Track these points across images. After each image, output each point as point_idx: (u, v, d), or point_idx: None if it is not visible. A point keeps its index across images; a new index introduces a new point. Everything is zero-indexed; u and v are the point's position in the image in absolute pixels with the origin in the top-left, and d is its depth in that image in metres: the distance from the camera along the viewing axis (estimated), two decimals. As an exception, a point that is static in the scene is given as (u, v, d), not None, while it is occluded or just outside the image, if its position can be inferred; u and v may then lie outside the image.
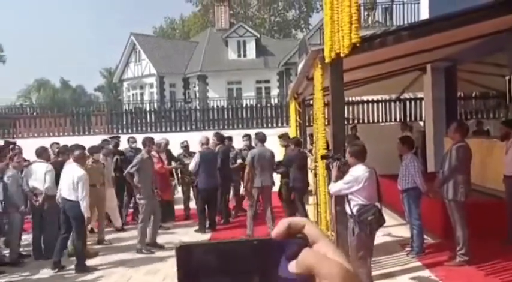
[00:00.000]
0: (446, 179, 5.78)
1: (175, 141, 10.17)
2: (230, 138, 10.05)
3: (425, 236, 6.45)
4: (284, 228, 0.47)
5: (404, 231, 7.19)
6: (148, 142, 7.76)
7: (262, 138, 8.15)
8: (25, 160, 7.81)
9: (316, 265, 0.44)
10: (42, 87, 51.93)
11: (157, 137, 9.30)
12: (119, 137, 10.49)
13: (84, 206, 6.43)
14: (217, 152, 8.85)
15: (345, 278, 0.44)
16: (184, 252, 0.46)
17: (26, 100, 49.08)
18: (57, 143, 9.62)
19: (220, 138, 9.22)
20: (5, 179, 6.87)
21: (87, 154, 7.48)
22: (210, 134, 10.41)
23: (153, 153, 8.35)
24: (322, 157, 5.54)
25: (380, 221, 4.78)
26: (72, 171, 6.52)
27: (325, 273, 0.44)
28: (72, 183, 6.42)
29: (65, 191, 6.50)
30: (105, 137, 12.09)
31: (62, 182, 6.61)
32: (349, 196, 4.81)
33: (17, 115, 18.55)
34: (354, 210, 4.76)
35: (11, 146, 8.59)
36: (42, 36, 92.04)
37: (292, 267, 0.45)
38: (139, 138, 10.22)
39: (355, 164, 4.76)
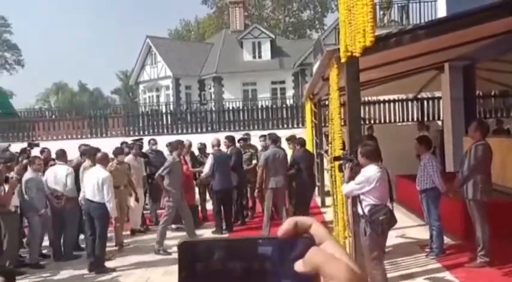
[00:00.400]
0: (466, 178, 5.69)
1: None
2: (246, 139, 10.06)
3: (444, 237, 6.36)
4: (290, 227, 0.47)
5: (423, 232, 7.11)
6: (179, 145, 7.85)
7: (275, 139, 8.17)
8: (53, 161, 7.90)
9: (323, 264, 0.43)
10: (60, 90, 52.79)
11: (174, 139, 9.35)
12: (142, 139, 10.54)
13: (111, 206, 6.57)
14: (230, 154, 8.84)
15: (352, 279, 0.43)
16: (187, 249, 0.46)
17: (45, 103, 49.97)
18: (85, 145, 9.47)
19: (232, 140, 9.22)
20: (23, 182, 6.86)
21: (111, 156, 7.62)
22: (224, 135, 10.48)
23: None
24: (335, 158, 5.54)
25: (391, 222, 4.76)
26: (96, 173, 6.63)
27: (331, 274, 0.43)
28: (96, 184, 6.52)
29: (89, 192, 6.60)
30: (124, 139, 12.21)
31: (85, 183, 6.72)
32: (361, 196, 4.82)
33: (36, 118, 18.85)
34: (366, 210, 4.77)
35: (40, 149, 8.73)
36: (59, 40, 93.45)
37: (299, 266, 0.44)
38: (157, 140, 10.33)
39: (366, 165, 4.77)
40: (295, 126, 15.87)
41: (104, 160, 6.86)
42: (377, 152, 4.88)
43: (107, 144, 9.37)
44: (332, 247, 0.46)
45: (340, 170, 5.50)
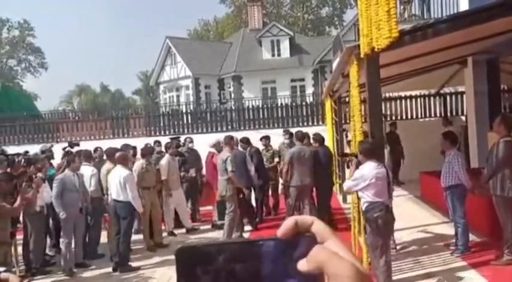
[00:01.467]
0: (493, 174, 5.57)
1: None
2: (267, 137, 10.02)
3: (470, 234, 6.24)
4: (291, 227, 0.45)
5: (448, 230, 7.00)
6: (231, 140, 7.94)
7: (301, 137, 8.15)
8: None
9: (327, 263, 0.42)
10: (83, 92, 53.75)
11: (194, 138, 9.43)
12: (179, 137, 10.52)
13: (136, 204, 6.69)
14: (250, 154, 8.79)
15: (357, 278, 0.42)
16: (185, 254, 0.45)
17: (68, 105, 50.94)
18: (127, 145, 9.43)
19: (247, 142, 9.23)
20: (56, 181, 6.70)
21: (139, 156, 7.82)
22: (245, 134, 10.49)
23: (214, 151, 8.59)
24: (342, 155, 5.60)
25: (387, 219, 4.77)
26: (118, 172, 6.74)
27: (336, 272, 0.42)
28: (119, 184, 6.64)
29: (114, 192, 6.75)
30: (146, 139, 12.32)
31: (110, 184, 6.85)
32: (359, 193, 4.91)
33: (60, 120, 19.20)
34: (363, 207, 4.85)
35: (93, 149, 8.96)
36: (81, 43, 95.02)
37: (302, 265, 0.43)
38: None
39: (364, 162, 4.85)
40: (316, 123, 15.78)
41: (124, 160, 6.93)
42: (375, 150, 4.93)
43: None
44: (335, 245, 0.45)
45: (348, 166, 5.57)
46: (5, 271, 4.02)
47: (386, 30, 3.38)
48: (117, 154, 6.96)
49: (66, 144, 8.35)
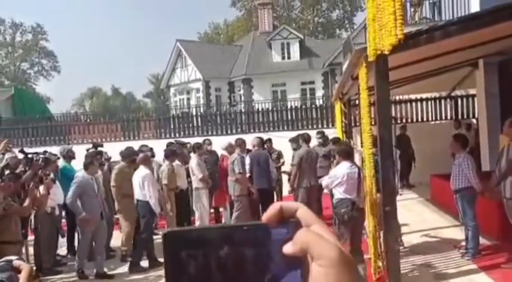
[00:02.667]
0: (503, 177, 5.53)
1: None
2: (270, 140, 10.09)
3: (480, 237, 6.19)
4: (275, 213, 0.46)
5: (458, 233, 6.94)
6: (242, 143, 8.10)
7: (307, 139, 8.22)
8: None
9: (312, 243, 0.43)
10: (94, 95, 54.25)
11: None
12: (186, 143, 10.50)
13: (153, 202, 6.77)
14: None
15: (341, 260, 0.43)
16: (172, 238, 0.45)
17: (80, 108, 51.42)
18: (145, 146, 9.47)
19: (259, 143, 9.26)
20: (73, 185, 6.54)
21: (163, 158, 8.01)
22: (254, 136, 10.48)
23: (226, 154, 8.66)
24: (324, 156, 6.68)
25: (352, 215, 5.25)
26: (139, 172, 6.92)
27: (321, 253, 0.43)
28: (139, 184, 6.79)
29: (136, 192, 6.89)
30: (157, 141, 12.36)
31: (134, 185, 6.97)
32: (333, 190, 5.47)
33: (72, 122, 19.42)
34: (334, 202, 5.44)
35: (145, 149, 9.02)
36: (93, 47, 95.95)
37: (287, 247, 0.44)
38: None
39: (340, 162, 5.45)
40: (325, 126, 15.75)
41: (146, 160, 7.10)
42: (351, 152, 5.59)
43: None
44: (320, 230, 0.45)
45: (330, 166, 6.31)
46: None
47: (392, 32, 3.39)
48: (140, 155, 7.15)
49: (84, 146, 8.42)
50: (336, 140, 8.46)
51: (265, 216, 0.46)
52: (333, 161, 6.20)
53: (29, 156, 6.54)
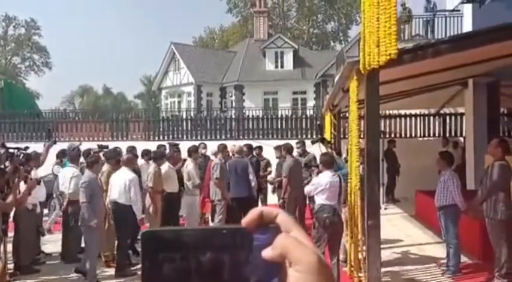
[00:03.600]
0: (487, 196, 5.57)
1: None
2: (260, 148, 10.10)
3: (462, 256, 6.23)
4: (255, 217, 0.46)
5: (440, 250, 6.97)
6: (223, 148, 8.12)
7: (290, 149, 8.34)
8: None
9: (291, 248, 0.43)
10: (85, 93, 53.80)
11: (192, 145, 9.33)
12: (178, 144, 10.36)
13: (137, 208, 6.57)
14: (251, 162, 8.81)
15: (319, 266, 0.43)
16: (150, 238, 0.45)
17: (70, 105, 50.97)
18: (133, 147, 9.36)
19: (249, 149, 9.28)
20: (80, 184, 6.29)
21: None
22: (244, 143, 10.46)
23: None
24: (305, 165, 7.02)
25: (333, 220, 5.57)
26: (123, 174, 6.63)
27: (299, 258, 0.43)
28: (124, 186, 6.51)
29: (115, 194, 6.59)
30: (145, 143, 12.29)
31: (112, 186, 6.67)
32: (314, 197, 5.80)
33: (60, 119, 19.21)
34: (316, 208, 5.76)
35: (175, 148, 9.00)
36: (86, 44, 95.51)
37: (267, 252, 0.44)
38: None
39: (323, 171, 5.84)
40: (315, 136, 15.79)
41: (130, 162, 6.92)
42: (332, 162, 6.01)
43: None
44: (299, 235, 0.46)
45: (310, 174, 6.75)
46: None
47: (386, 47, 3.41)
48: (124, 156, 6.97)
49: (65, 145, 8.34)
50: (290, 149, 8.58)
51: (245, 221, 0.46)
52: (313, 170, 6.55)
53: (10, 150, 6.44)
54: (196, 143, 11.32)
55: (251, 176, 8.17)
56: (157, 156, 7.94)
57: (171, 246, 0.45)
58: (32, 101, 25.17)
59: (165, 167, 8.01)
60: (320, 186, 5.67)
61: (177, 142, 11.49)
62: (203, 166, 8.98)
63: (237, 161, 8.30)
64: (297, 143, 9.62)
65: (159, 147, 9.52)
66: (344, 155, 7.42)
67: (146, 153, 8.74)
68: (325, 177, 5.70)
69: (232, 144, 9.32)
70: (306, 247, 0.44)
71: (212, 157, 8.88)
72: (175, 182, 8.21)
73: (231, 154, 8.87)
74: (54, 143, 6.69)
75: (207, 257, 0.45)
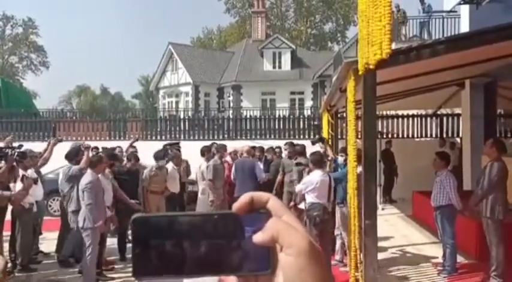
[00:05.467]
0: (483, 196, 5.59)
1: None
2: (262, 149, 10.00)
3: (458, 256, 6.25)
4: (246, 203, 0.47)
5: (436, 250, 6.99)
6: (222, 149, 8.12)
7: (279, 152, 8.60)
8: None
9: (282, 232, 0.44)
10: (83, 93, 53.69)
11: (190, 144, 9.32)
12: (179, 143, 10.27)
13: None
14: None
15: (311, 250, 0.44)
16: (141, 224, 0.45)
17: (67, 105, 50.90)
18: (133, 147, 9.33)
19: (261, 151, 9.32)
20: (80, 185, 5.99)
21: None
22: (241, 143, 10.46)
23: (228, 159, 8.74)
24: (297, 164, 7.07)
25: (323, 217, 5.75)
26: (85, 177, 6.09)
27: (291, 241, 0.43)
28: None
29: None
30: (143, 142, 12.26)
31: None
32: (305, 195, 5.92)
33: (57, 119, 19.17)
34: (307, 206, 5.88)
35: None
36: (84, 44, 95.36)
37: (258, 236, 0.44)
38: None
39: (313, 170, 5.99)
40: (312, 137, 15.82)
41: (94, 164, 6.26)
42: (322, 161, 6.23)
43: (125, 147, 9.48)
44: (290, 220, 0.46)
45: (302, 174, 6.87)
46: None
47: (379, 47, 3.43)
48: (93, 157, 6.41)
49: (68, 144, 8.26)
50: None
51: (235, 206, 0.47)
52: (305, 169, 6.71)
53: (4, 150, 6.41)
54: (194, 143, 11.34)
55: (263, 175, 8.23)
56: (157, 157, 7.86)
57: (162, 232, 0.45)
58: (29, 101, 25.11)
59: (169, 167, 8.00)
60: (311, 184, 5.83)
61: (177, 141, 11.47)
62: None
63: (244, 161, 8.36)
64: (285, 144, 9.55)
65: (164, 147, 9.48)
66: (339, 157, 7.37)
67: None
68: (316, 176, 5.87)
69: (241, 146, 9.30)
70: (297, 231, 0.44)
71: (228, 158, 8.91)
72: (177, 182, 8.21)
73: (239, 154, 8.90)
74: (59, 141, 6.58)
75: (199, 242, 0.45)
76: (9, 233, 6.66)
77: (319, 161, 6.07)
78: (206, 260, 0.45)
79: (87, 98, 52.81)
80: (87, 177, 5.91)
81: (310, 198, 5.87)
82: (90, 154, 6.61)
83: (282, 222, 0.45)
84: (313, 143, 8.86)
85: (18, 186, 5.96)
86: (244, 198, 0.47)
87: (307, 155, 8.51)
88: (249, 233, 0.45)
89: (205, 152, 8.60)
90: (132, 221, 0.45)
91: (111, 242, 7.17)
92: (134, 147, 9.20)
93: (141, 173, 7.78)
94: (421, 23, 16.72)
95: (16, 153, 6.36)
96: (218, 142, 10.70)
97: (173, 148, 9.13)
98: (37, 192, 6.82)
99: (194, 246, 0.45)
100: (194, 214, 0.47)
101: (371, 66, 3.73)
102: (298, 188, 6.26)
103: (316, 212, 5.74)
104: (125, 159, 8.12)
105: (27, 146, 9.97)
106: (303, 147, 8.18)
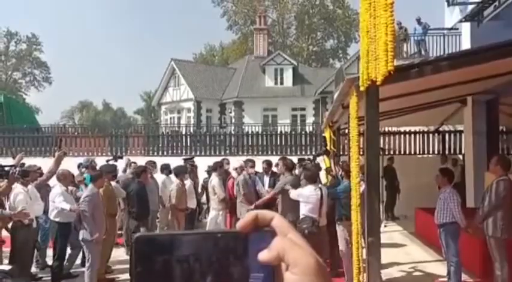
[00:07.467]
0: (487, 214, 5.54)
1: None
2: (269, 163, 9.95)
3: (462, 274, 6.15)
4: (251, 221, 0.46)
5: (440, 268, 6.90)
6: (249, 163, 8.32)
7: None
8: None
9: (288, 251, 0.43)
10: (85, 108, 53.99)
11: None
12: (193, 158, 10.35)
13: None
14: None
15: (317, 268, 0.43)
16: (144, 243, 0.44)
17: (69, 120, 51.08)
18: (134, 162, 9.55)
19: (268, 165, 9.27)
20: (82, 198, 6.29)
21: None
22: (243, 159, 10.42)
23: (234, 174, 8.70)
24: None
25: (312, 231, 5.98)
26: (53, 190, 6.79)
27: (296, 260, 0.43)
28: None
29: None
30: (144, 158, 12.29)
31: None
32: (300, 207, 6.26)
33: (59, 134, 19.19)
34: (300, 219, 6.18)
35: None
36: (87, 60, 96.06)
37: (263, 255, 0.43)
38: (175, 160, 10.33)
39: (306, 185, 6.37)
40: (314, 153, 15.78)
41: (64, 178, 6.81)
42: (315, 176, 6.56)
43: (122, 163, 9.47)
44: (296, 238, 0.45)
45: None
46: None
47: (384, 63, 3.42)
48: (59, 171, 6.77)
49: (70, 159, 8.32)
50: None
51: (239, 224, 0.46)
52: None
53: (6, 169, 6.39)
54: (195, 159, 11.33)
55: (262, 190, 8.22)
56: (179, 172, 7.91)
57: (165, 251, 0.44)
58: (31, 116, 25.21)
59: (188, 182, 8.10)
60: (303, 198, 6.25)
61: (190, 156, 11.56)
62: (224, 182, 8.90)
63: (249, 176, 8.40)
64: (279, 159, 9.44)
65: (185, 162, 9.59)
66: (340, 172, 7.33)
67: (166, 168, 8.79)
68: (308, 191, 6.24)
69: (242, 160, 9.29)
70: (303, 249, 0.44)
71: (233, 173, 8.81)
72: (195, 198, 8.53)
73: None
74: (65, 154, 6.66)
75: (202, 261, 0.44)
76: (9, 248, 6.60)
77: (311, 176, 6.39)
78: (210, 279, 0.44)
79: (89, 114, 53.07)
80: (87, 191, 6.23)
81: (303, 210, 6.22)
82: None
83: (287, 241, 0.44)
84: (318, 156, 8.85)
85: (17, 201, 5.96)
86: (248, 216, 0.46)
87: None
88: (254, 251, 0.44)
89: (218, 168, 8.61)
90: (135, 240, 0.44)
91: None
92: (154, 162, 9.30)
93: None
94: (417, 40, 16.86)
95: (17, 172, 6.35)
96: (220, 158, 10.68)
97: (188, 163, 9.24)
98: (36, 207, 6.77)
99: (197, 265, 0.44)
100: (197, 233, 0.46)
101: (376, 82, 3.72)
102: (292, 194, 6.54)
103: (306, 224, 6.04)
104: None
105: (29, 161, 9.98)
106: (292, 163, 8.17)
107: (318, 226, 6.19)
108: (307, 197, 6.19)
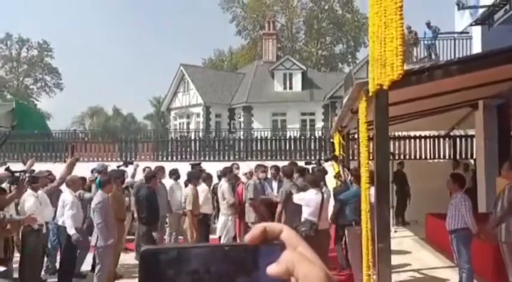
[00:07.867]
0: (500, 220, 5.46)
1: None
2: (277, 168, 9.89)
3: (475, 280, 6.06)
4: (259, 233, 0.45)
5: (452, 274, 6.81)
6: (226, 169, 8.33)
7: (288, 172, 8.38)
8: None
9: (298, 264, 0.42)
10: (95, 114, 54.38)
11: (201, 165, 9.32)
12: (200, 163, 10.44)
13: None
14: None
15: (325, 281, 0.42)
16: (151, 256, 0.44)
17: (80, 126, 51.51)
18: (148, 167, 9.62)
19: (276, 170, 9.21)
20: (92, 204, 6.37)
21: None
22: (252, 164, 10.39)
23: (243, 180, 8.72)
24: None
25: (309, 234, 6.06)
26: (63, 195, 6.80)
27: (306, 274, 0.42)
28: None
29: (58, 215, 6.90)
30: (153, 164, 12.33)
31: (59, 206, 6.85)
32: (302, 209, 6.40)
33: (70, 140, 19.34)
34: (301, 222, 6.33)
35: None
36: (97, 66, 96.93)
37: (272, 268, 0.42)
38: (183, 166, 10.36)
39: (308, 189, 6.53)
40: (323, 157, 15.71)
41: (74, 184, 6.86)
42: (317, 180, 6.64)
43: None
44: (305, 251, 0.45)
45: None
46: None
47: (393, 68, 3.39)
48: (68, 177, 6.84)
49: (80, 164, 8.41)
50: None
51: (248, 237, 0.45)
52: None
53: (16, 174, 6.44)
54: (204, 164, 11.36)
55: (272, 195, 8.15)
56: (192, 177, 7.96)
57: (172, 265, 0.43)
58: (42, 122, 25.39)
59: (202, 188, 8.14)
60: (304, 201, 6.40)
61: (198, 162, 11.61)
62: (234, 187, 8.87)
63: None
64: (271, 166, 9.21)
65: (193, 168, 9.61)
66: (349, 178, 7.30)
67: (174, 173, 8.83)
68: (310, 195, 6.39)
69: (252, 165, 9.26)
70: (312, 263, 0.43)
71: (243, 178, 8.78)
72: (210, 203, 8.54)
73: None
74: (77, 160, 6.74)
75: (210, 275, 0.43)
76: (18, 254, 6.64)
77: (313, 180, 6.55)
78: None
79: (99, 119, 53.45)
80: (97, 197, 6.16)
81: (304, 214, 6.39)
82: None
83: (296, 254, 0.43)
84: (326, 161, 8.81)
85: (26, 206, 6.00)
86: (256, 229, 0.45)
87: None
88: (262, 264, 0.43)
89: (227, 173, 8.62)
90: (142, 253, 0.44)
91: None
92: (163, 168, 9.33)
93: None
94: (427, 45, 16.77)
95: (27, 179, 6.40)
96: (229, 163, 10.67)
97: (196, 168, 9.26)
98: (47, 213, 6.81)
99: (205, 279, 0.43)
100: (205, 246, 0.45)
101: (384, 87, 3.69)
102: (295, 197, 6.63)
103: (304, 227, 6.19)
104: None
105: (40, 166, 10.05)
106: (291, 169, 8.09)
107: (317, 229, 6.26)
108: (308, 200, 6.34)
